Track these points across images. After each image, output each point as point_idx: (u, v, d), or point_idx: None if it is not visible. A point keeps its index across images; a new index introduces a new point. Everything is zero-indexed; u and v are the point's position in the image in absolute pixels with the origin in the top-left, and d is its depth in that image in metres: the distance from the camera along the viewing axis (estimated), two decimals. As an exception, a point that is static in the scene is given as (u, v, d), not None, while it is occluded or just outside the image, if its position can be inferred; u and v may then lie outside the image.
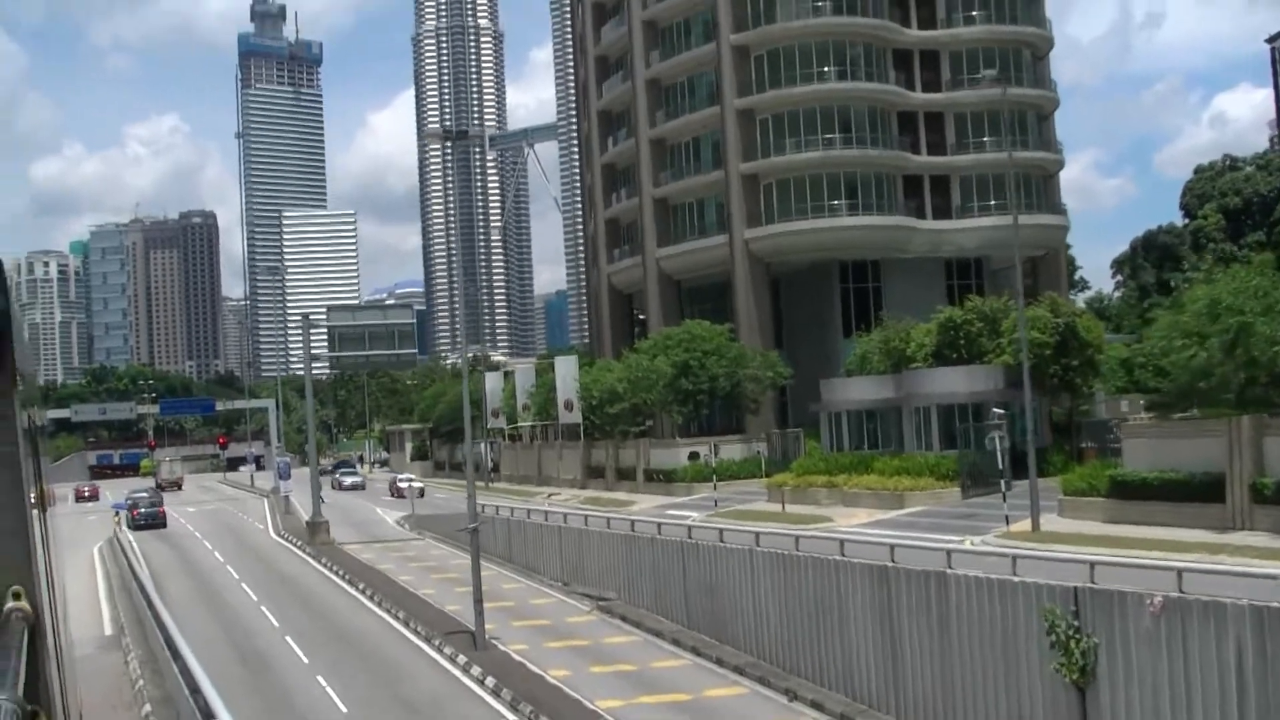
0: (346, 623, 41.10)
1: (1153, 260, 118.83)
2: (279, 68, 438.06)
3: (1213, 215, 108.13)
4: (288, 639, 37.88)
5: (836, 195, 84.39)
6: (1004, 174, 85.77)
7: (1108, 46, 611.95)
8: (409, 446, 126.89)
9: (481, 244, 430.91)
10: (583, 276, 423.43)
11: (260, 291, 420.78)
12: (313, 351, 65.21)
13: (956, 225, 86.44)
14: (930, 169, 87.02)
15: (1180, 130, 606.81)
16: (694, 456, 74.21)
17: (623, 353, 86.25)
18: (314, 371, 78.13)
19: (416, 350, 60.25)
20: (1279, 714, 19.15)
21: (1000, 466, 46.82)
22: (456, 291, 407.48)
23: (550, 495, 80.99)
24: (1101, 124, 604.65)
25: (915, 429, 60.09)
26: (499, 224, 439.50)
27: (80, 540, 65.84)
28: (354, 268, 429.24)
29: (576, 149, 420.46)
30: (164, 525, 74.11)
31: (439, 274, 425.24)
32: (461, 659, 34.16)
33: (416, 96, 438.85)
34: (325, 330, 65.65)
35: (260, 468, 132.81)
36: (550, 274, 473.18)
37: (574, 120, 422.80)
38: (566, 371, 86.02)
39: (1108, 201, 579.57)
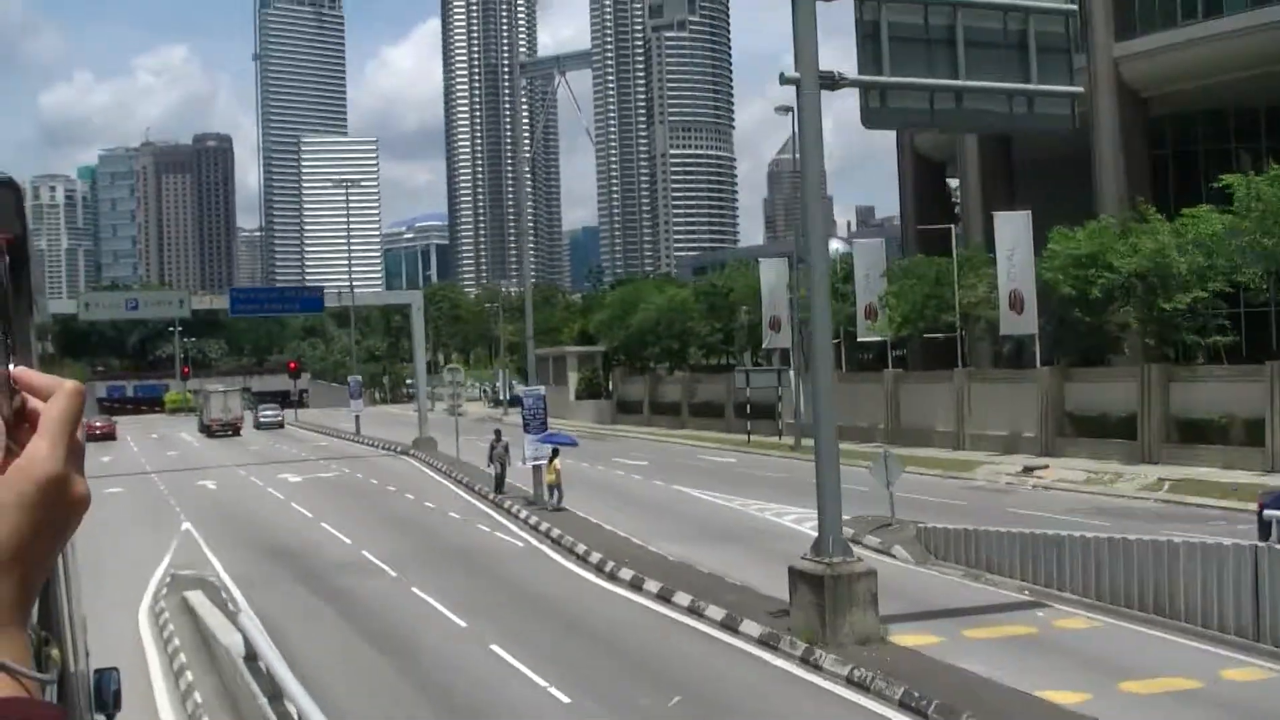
0: None
1: None
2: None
3: None
4: None
5: None
6: None
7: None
8: (572, 379, 77.51)
9: (510, 177, 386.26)
10: (615, 209, 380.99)
11: (276, 218, 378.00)
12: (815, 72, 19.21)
13: None
14: None
15: None
16: None
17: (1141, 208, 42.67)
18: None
19: (1075, 86, 15.54)
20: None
21: None
22: (484, 222, 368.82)
23: (1037, 471, 38.59)
24: None
25: None
26: (528, 155, 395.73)
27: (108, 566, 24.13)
28: (375, 198, 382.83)
29: (610, 77, 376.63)
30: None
31: (463, 205, 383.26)
32: None
33: (443, 19, 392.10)
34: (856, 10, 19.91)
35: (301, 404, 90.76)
36: (573, 213, 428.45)
37: (608, 47, 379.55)
38: (1014, 239, 42.71)
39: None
